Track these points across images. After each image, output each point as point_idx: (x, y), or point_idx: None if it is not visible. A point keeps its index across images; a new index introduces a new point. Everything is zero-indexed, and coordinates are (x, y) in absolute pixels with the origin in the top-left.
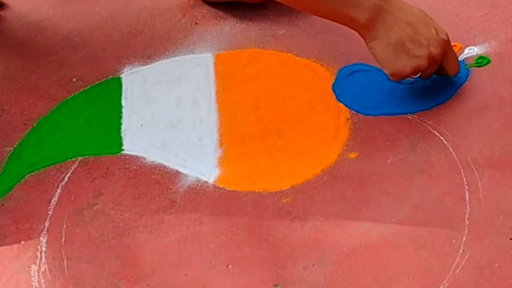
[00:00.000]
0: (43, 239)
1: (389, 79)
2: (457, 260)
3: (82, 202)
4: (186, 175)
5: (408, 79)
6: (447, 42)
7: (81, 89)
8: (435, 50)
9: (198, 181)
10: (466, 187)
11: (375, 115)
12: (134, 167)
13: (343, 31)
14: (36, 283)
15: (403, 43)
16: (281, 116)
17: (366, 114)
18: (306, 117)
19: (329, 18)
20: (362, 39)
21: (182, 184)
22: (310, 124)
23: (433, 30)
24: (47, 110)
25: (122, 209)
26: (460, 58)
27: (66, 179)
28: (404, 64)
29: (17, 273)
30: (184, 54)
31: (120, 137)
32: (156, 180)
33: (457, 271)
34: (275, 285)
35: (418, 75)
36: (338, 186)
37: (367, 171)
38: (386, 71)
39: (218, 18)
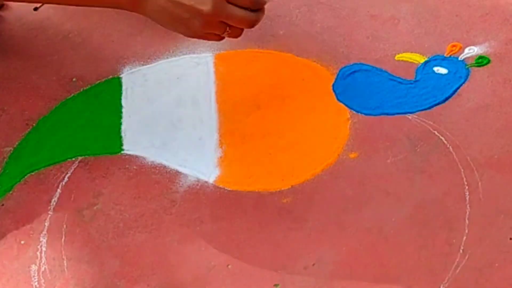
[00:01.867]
0: (43, 239)
1: None
2: (457, 260)
3: (82, 202)
4: (186, 175)
5: None
6: None
7: (81, 89)
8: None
9: (198, 181)
10: (466, 187)
11: (375, 115)
12: (134, 167)
13: (343, 31)
14: (36, 283)
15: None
16: (281, 116)
17: (366, 114)
18: (306, 117)
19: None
20: (362, 39)
21: (182, 184)
22: (310, 124)
23: None
24: (47, 110)
25: (122, 209)
26: (460, 58)
27: (66, 179)
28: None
29: (17, 273)
30: (184, 54)
31: (120, 137)
32: (156, 180)
33: (457, 271)
34: (275, 285)
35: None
36: (338, 186)
37: (367, 171)
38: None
39: None
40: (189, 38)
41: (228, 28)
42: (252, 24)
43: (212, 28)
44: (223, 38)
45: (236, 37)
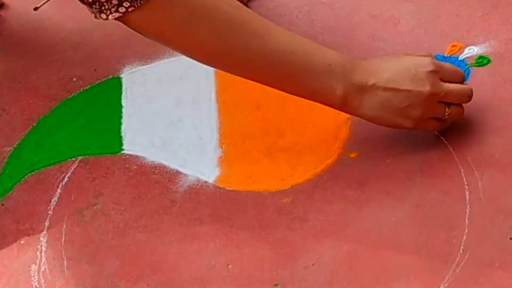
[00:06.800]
0: (43, 239)
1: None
2: (457, 259)
3: (82, 202)
4: (186, 175)
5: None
6: (434, 63)
7: (81, 89)
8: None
9: (198, 181)
10: (466, 187)
11: None
12: (134, 167)
13: (343, 31)
14: (36, 283)
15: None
16: (281, 116)
17: None
18: (306, 117)
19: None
20: (362, 39)
21: (182, 184)
22: (310, 124)
23: (413, 71)
24: (47, 110)
25: (122, 209)
26: (460, 57)
27: (66, 179)
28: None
29: (17, 273)
30: None
31: (120, 137)
32: (156, 180)
33: (457, 270)
34: (275, 285)
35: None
36: (338, 185)
37: (367, 171)
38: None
39: None
40: None
41: (447, 108)
42: (470, 96)
43: (432, 110)
44: (444, 122)
45: (459, 116)
